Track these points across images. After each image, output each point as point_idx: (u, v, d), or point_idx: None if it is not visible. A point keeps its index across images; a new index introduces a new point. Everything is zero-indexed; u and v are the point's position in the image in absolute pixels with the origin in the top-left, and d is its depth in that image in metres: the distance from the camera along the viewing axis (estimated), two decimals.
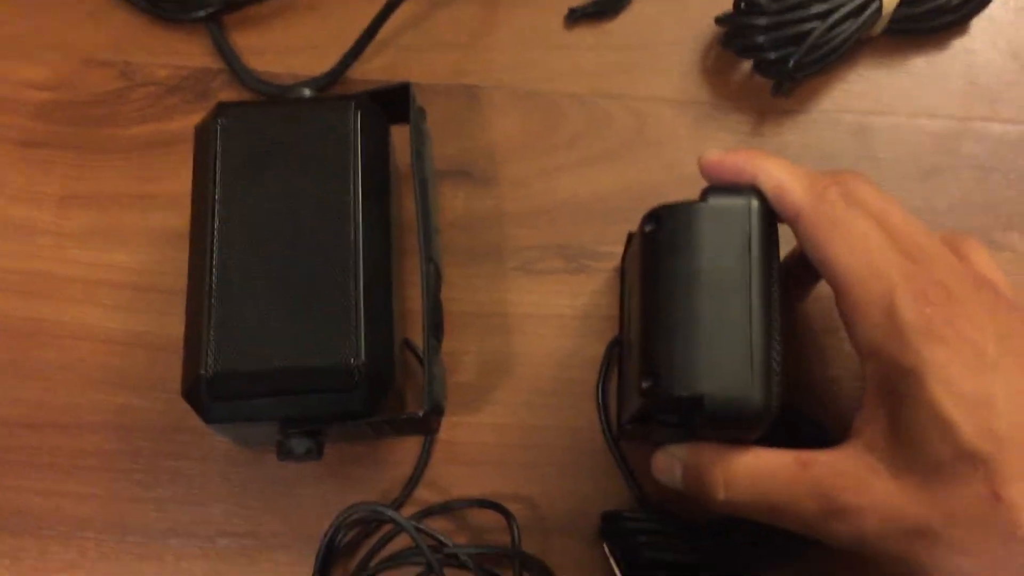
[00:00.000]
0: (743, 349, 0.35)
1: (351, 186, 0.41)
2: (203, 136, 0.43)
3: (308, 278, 0.40)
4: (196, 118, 0.50)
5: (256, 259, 0.41)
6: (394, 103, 0.45)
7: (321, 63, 0.52)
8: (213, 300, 0.40)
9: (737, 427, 0.36)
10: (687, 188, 0.50)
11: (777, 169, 0.37)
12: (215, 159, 0.42)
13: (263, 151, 0.42)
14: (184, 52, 0.52)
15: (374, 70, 0.52)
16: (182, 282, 0.48)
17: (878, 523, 0.34)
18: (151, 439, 0.46)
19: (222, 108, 0.43)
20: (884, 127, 0.51)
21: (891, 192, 0.49)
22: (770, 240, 0.37)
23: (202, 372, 0.39)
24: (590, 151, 0.51)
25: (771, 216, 0.38)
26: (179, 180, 0.49)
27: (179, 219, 0.49)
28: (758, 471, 0.36)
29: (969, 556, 0.32)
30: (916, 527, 0.33)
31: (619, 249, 0.49)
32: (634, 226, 0.49)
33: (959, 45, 0.53)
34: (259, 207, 0.41)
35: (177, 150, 0.50)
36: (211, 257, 0.41)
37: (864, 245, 0.35)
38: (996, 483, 0.31)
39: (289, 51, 0.52)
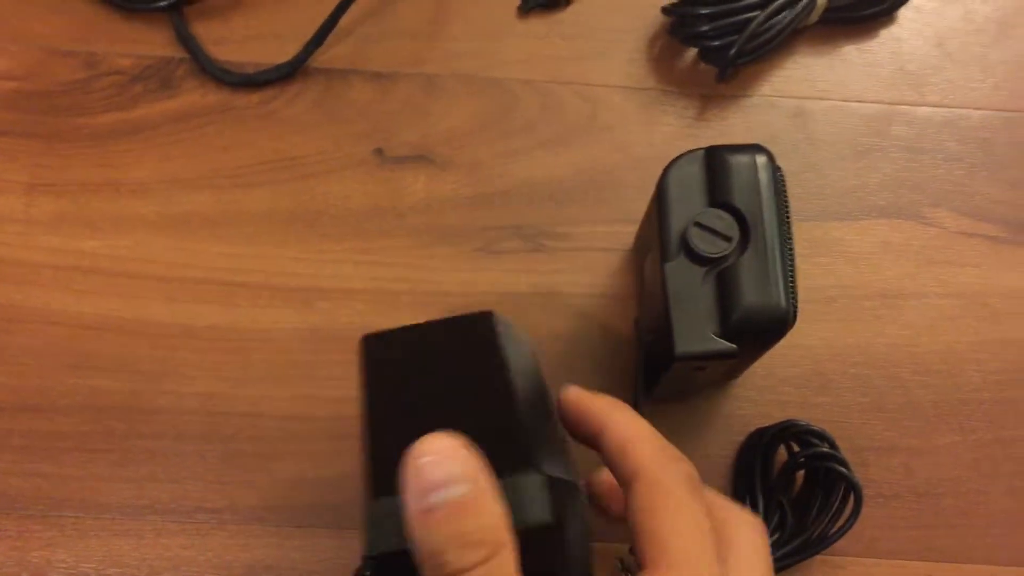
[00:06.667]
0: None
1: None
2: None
3: None
4: (160, 106, 0.52)
5: None
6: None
7: (282, 52, 0.53)
8: None
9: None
10: (637, 169, 0.53)
11: (627, 426, 0.35)
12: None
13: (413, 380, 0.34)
14: (147, 41, 0.53)
15: (335, 58, 0.53)
16: (152, 267, 0.49)
17: None
18: (125, 420, 0.47)
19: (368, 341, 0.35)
20: (820, 110, 0.54)
21: (827, 171, 0.53)
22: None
23: None
24: (544, 136, 0.53)
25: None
26: (145, 167, 0.51)
27: (147, 206, 0.50)
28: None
29: None
30: None
31: (575, 229, 0.51)
32: (589, 207, 0.52)
33: (887, 34, 0.56)
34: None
35: (143, 137, 0.51)
36: None
37: (696, 531, 0.32)
38: None
39: (250, 40, 0.53)
